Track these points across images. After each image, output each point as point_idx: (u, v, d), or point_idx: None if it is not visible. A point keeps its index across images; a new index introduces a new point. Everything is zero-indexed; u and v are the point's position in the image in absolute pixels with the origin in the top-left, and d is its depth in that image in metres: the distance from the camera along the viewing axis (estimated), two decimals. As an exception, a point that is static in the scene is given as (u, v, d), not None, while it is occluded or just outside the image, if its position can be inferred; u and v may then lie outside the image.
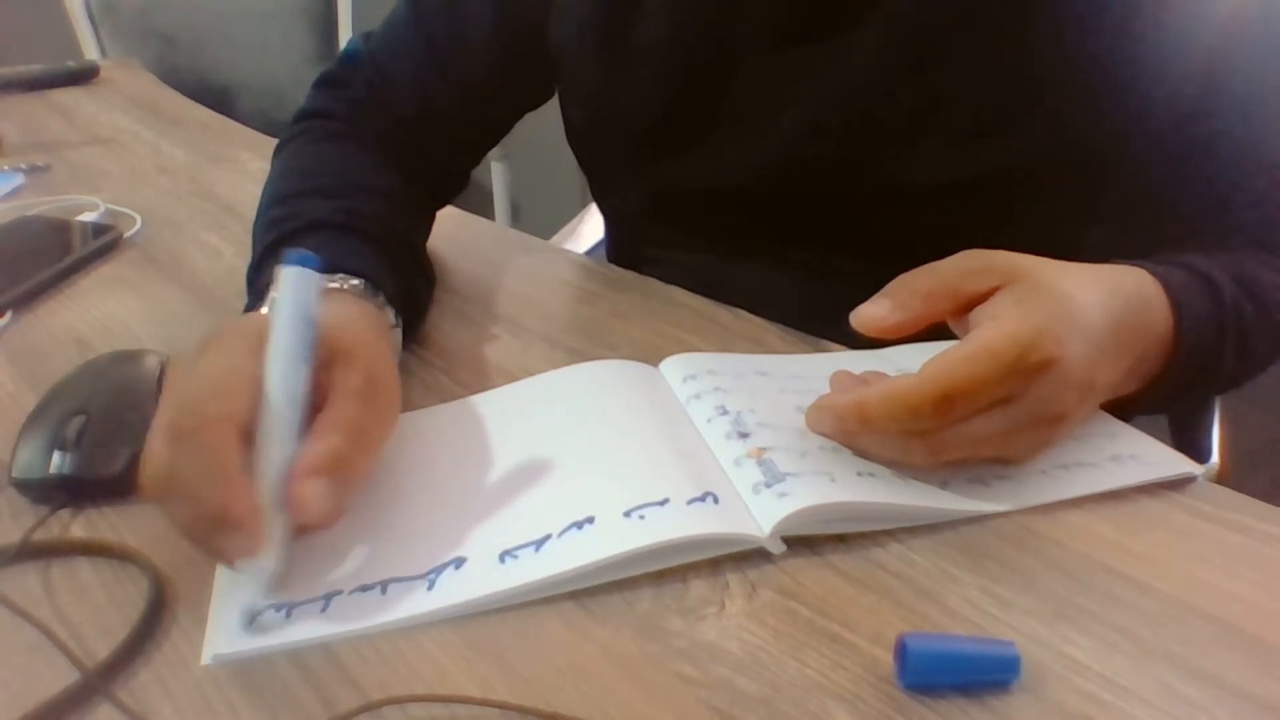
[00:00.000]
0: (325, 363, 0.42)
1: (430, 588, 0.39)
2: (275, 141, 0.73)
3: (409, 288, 0.57)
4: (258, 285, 0.54)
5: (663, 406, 0.50)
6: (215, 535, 0.37)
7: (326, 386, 0.42)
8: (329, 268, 0.50)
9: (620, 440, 0.47)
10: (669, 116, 0.67)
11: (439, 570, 0.40)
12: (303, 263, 0.41)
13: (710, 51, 0.64)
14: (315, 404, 0.41)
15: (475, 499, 0.44)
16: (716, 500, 0.42)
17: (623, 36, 0.66)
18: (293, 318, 0.40)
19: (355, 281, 0.51)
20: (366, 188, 0.63)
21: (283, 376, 0.39)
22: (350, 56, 0.74)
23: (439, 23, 0.71)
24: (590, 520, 0.41)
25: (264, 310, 0.46)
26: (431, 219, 0.72)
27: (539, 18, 0.69)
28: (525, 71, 0.72)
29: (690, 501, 0.42)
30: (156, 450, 0.38)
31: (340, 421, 0.40)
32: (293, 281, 0.41)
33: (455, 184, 0.75)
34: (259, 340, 0.41)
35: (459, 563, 0.40)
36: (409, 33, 0.72)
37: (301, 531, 0.39)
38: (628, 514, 0.41)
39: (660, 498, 0.42)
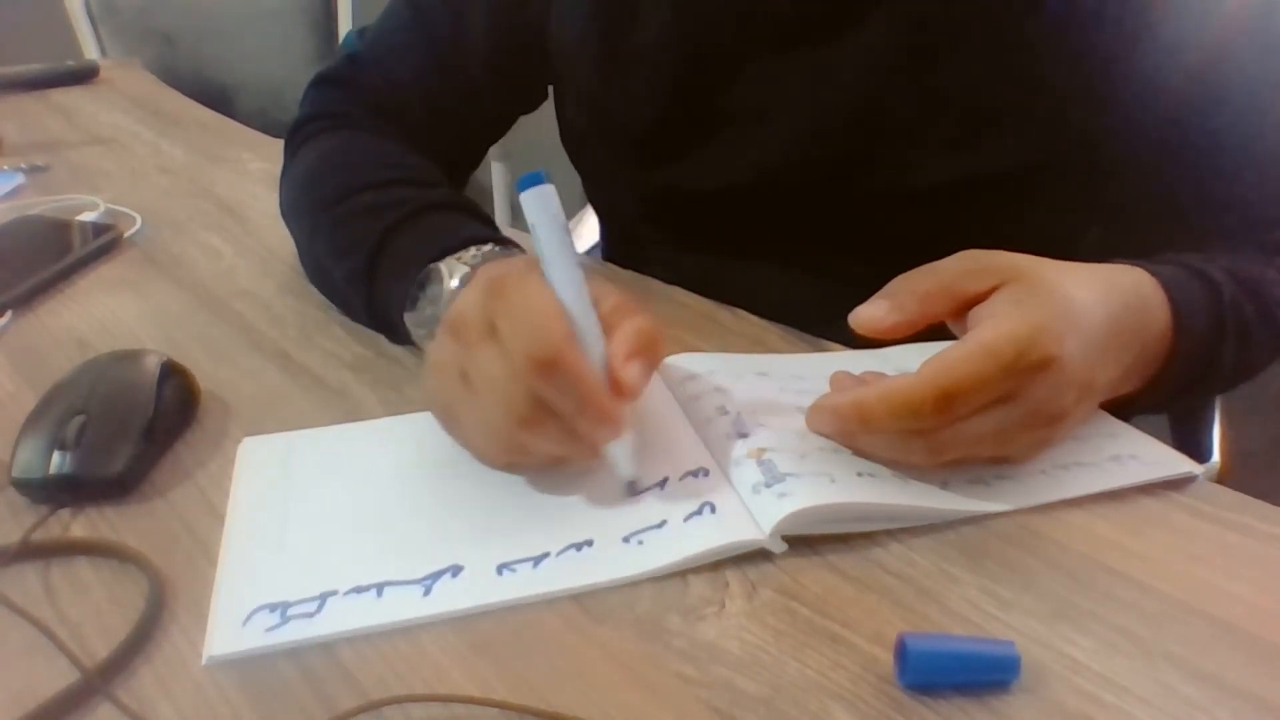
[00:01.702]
0: None
1: (426, 593, 0.39)
2: (276, 141, 0.72)
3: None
4: (393, 259, 0.57)
5: (662, 407, 0.50)
6: (591, 434, 0.42)
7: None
8: (467, 244, 0.54)
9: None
10: (668, 119, 0.67)
11: (435, 576, 0.40)
12: (534, 181, 0.44)
13: (710, 54, 0.64)
14: None
15: (474, 507, 0.44)
16: (714, 509, 0.42)
17: (622, 38, 0.65)
18: (557, 231, 0.44)
19: (492, 247, 0.54)
20: (434, 173, 0.65)
21: (574, 284, 0.43)
22: (351, 58, 0.74)
23: (439, 21, 0.71)
24: (589, 543, 0.41)
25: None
26: None
27: (539, 17, 0.69)
28: (525, 70, 0.72)
29: (688, 518, 0.42)
30: (518, 391, 0.40)
31: (632, 319, 0.44)
32: (541, 200, 0.44)
33: (456, 183, 0.75)
34: (533, 267, 0.44)
35: (456, 570, 0.40)
36: (409, 32, 0.72)
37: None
38: (626, 539, 0.41)
39: (657, 520, 0.42)
